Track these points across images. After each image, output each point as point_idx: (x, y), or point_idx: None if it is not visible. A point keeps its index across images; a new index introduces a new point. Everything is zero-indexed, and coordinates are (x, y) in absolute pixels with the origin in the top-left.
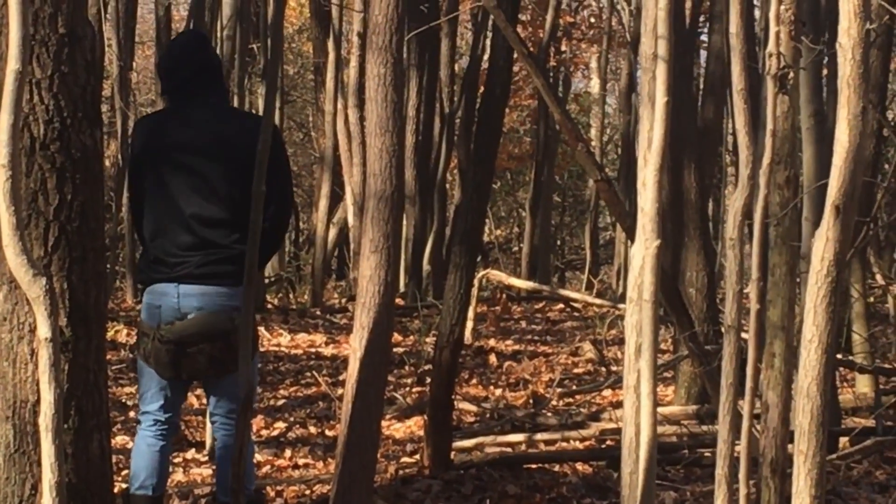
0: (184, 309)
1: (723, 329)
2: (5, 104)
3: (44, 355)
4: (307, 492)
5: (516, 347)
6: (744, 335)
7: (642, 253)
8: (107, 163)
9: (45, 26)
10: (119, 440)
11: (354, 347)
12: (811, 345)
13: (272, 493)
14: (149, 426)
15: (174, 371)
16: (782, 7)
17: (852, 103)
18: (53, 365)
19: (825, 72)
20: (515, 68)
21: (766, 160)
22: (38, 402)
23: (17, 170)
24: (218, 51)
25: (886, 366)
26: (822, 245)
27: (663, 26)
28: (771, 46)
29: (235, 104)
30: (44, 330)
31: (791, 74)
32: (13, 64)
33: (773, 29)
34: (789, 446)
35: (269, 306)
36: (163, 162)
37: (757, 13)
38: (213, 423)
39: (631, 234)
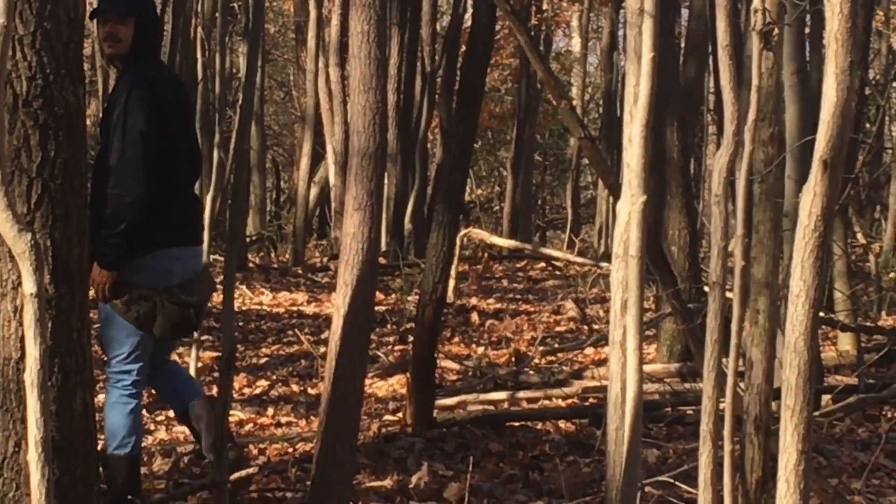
0: (193, 271)
1: (706, 286)
2: None
3: (29, 311)
4: (290, 450)
5: (498, 306)
6: (728, 293)
7: (628, 209)
8: (87, 121)
9: None
10: (101, 398)
11: (338, 305)
12: (798, 300)
13: (255, 451)
14: (126, 385)
15: (174, 331)
16: None
17: (840, 58)
18: (39, 321)
19: (808, 30)
20: (497, 27)
21: (750, 116)
22: (21, 359)
23: (2, 127)
24: (199, 9)
25: (868, 324)
26: (809, 200)
27: None
28: (756, 2)
29: (217, 64)
30: (29, 286)
31: (776, 31)
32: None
33: None
34: (773, 403)
35: (251, 265)
36: (174, 123)
37: None
38: (157, 373)
39: (614, 192)
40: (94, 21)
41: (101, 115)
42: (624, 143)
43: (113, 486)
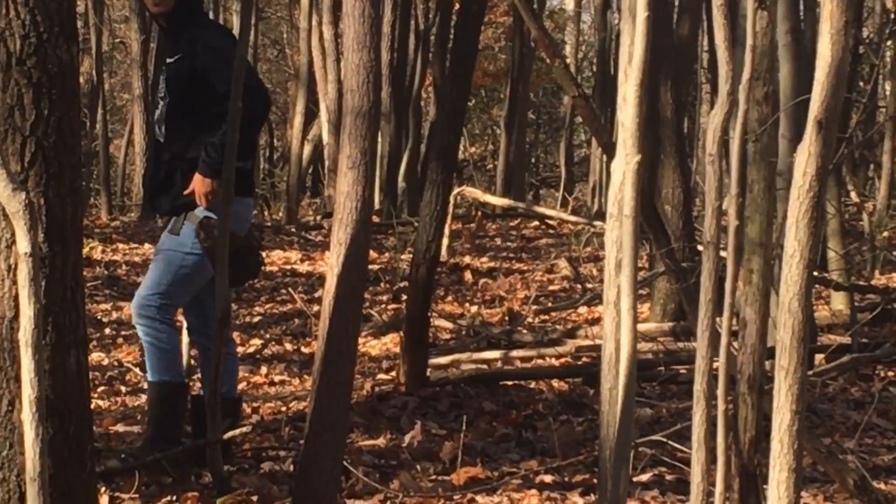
0: (252, 222)
1: (700, 245)
2: None
3: (23, 270)
4: (283, 408)
5: (491, 265)
6: (722, 252)
7: (622, 168)
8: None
9: None
10: (94, 357)
11: (331, 264)
12: (793, 260)
13: (248, 410)
14: (171, 319)
15: (246, 273)
16: None
17: (835, 17)
18: (33, 280)
19: None
20: None
21: (745, 76)
22: (15, 317)
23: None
24: None
25: (861, 283)
26: (804, 159)
27: None
28: None
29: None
30: (24, 245)
31: None
32: None
33: None
34: (766, 363)
35: None
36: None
37: None
38: (203, 334)
39: (608, 151)
40: None
41: (94, 73)
42: (618, 102)
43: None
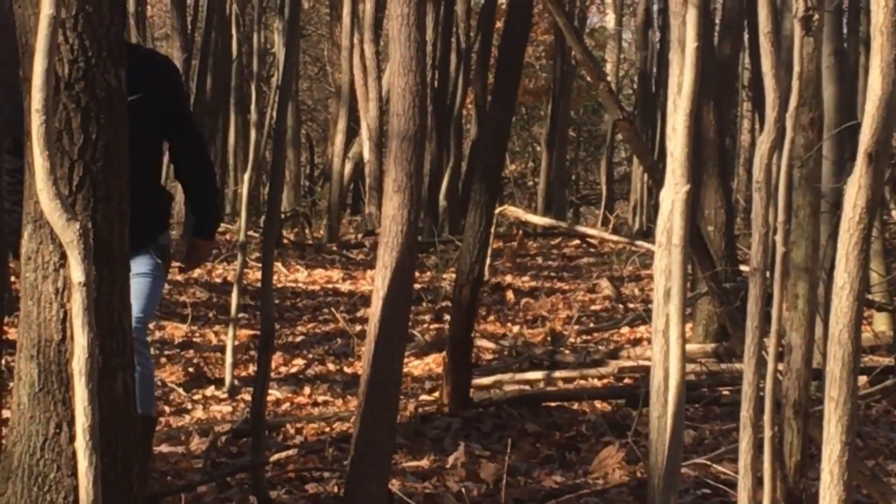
0: None
1: (742, 265)
2: (39, 48)
3: (77, 299)
4: (327, 429)
5: (533, 284)
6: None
7: (671, 197)
8: None
9: None
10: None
11: (377, 287)
12: (843, 292)
13: (292, 431)
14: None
15: None
16: None
17: (885, 51)
18: (87, 309)
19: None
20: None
21: (792, 103)
22: (62, 340)
23: (51, 115)
24: None
25: None
26: (854, 192)
27: None
28: None
29: (253, 41)
30: (77, 274)
31: (816, 16)
32: (46, 9)
33: None
34: (813, 387)
35: (286, 241)
36: None
37: None
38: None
39: (652, 173)
40: None
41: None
42: (668, 132)
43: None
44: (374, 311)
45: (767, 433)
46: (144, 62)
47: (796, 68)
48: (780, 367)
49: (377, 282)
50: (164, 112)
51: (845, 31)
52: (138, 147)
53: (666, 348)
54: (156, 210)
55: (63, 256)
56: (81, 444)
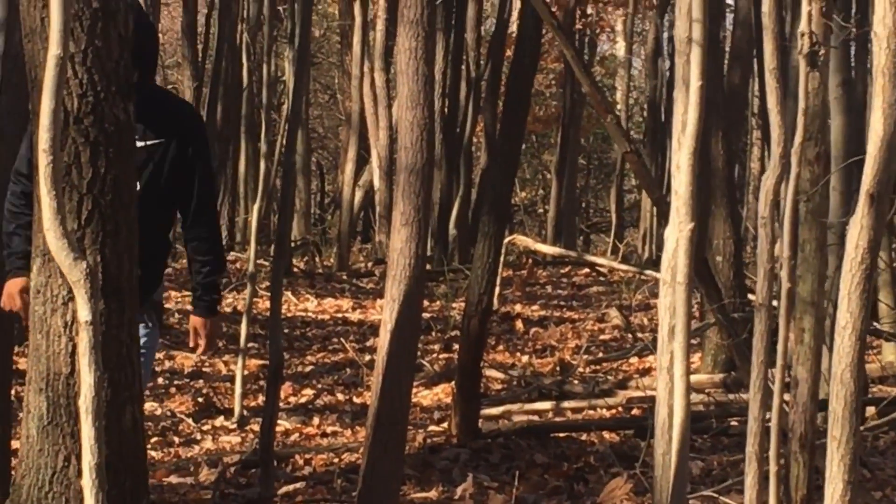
0: None
1: (751, 296)
2: (46, 87)
3: (84, 338)
4: (336, 460)
5: (542, 313)
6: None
7: (676, 235)
8: None
9: (79, 1)
10: (147, 407)
11: (385, 319)
12: (845, 331)
13: (301, 462)
14: None
15: None
16: None
17: (887, 92)
18: (94, 347)
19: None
20: (542, 30)
21: (797, 139)
22: (71, 374)
23: (58, 155)
24: (244, 13)
25: None
26: (856, 232)
27: (698, 10)
28: (803, 26)
29: (263, 70)
30: (84, 313)
31: (822, 52)
32: (54, 49)
33: (804, 8)
34: (819, 419)
35: (296, 270)
36: None
37: None
38: None
39: (659, 206)
40: None
41: None
42: (672, 170)
43: None
44: (382, 343)
45: (773, 467)
46: (169, 106)
47: (801, 104)
48: (787, 398)
49: (385, 314)
50: (185, 164)
51: (853, 61)
52: (151, 200)
53: (671, 385)
54: (159, 267)
55: (72, 290)
56: (88, 483)
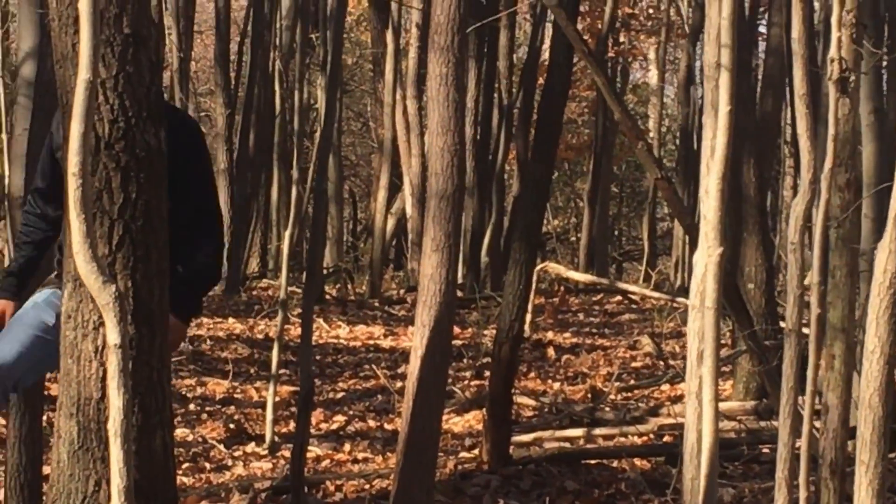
0: None
1: (783, 322)
2: (76, 112)
3: (113, 361)
4: (367, 486)
5: (574, 340)
6: (805, 330)
7: (705, 260)
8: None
9: (110, 27)
10: (179, 433)
11: (415, 346)
12: (873, 356)
13: (332, 488)
14: None
15: None
16: (844, 10)
17: None
18: (122, 371)
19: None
20: (574, 58)
21: (827, 165)
22: (102, 398)
23: (88, 178)
24: (277, 41)
25: None
26: (884, 257)
27: (727, 35)
28: (833, 52)
29: (295, 97)
30: (113, 336)
31: (852, 78)
32: (84, 73)
33: (834, 34)
34: (849, 444)
35: (328, 297)
36: None
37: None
38: None
39: (691, 233)
40: None
41: None
42: (701, 195)
43: None
44: (413, 369)
45: (803, 493)
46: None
47: (831, 130)
48: (818, 424)
49: (415, 340)
50: (185, 176)
51: (885, 88)
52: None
53: (699, 410)
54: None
55: (102, 317)
56: None
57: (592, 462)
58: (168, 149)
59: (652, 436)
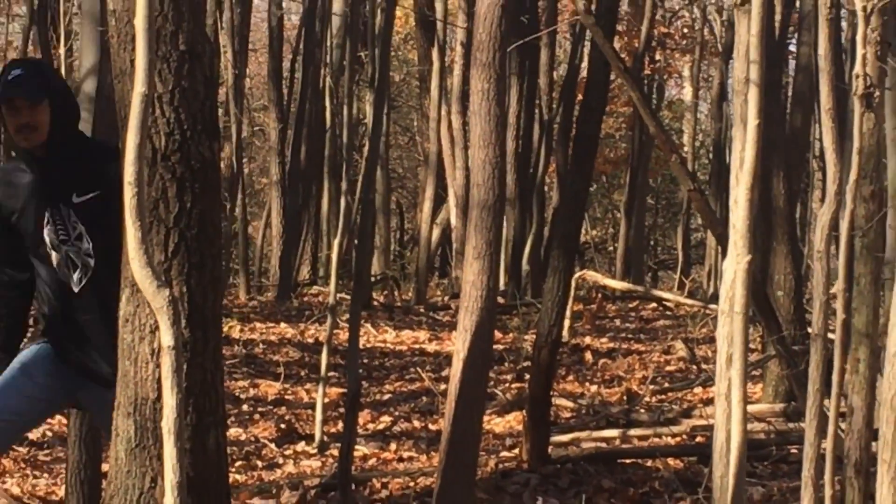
0: None
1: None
2: (132, 125)
3: (167, 362)
4: (411, 484)
5: (611, 345)
6: (831, 335)
7: (734, 267)
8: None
9: (166, 43)
10: (232, 432)
11: (458, 349)
12: (895, 359)
13: (378, 485)
14: None
15: None
16: (869, 29)
17: None
18: (176, 371)
19: None
20: (612, 76)
21: (852, 176)
22: (158, 399)
23: (143, 187)
24: (327, 59)
25: None
26: None
27: (755, 52)
28: (858, 68)
29: (345, 112)
30: (167, 338)
31: (877, 93)
32: (139, 87)
33: (859, 51)
34: (873, 445)
35: (375, 303)
36: None
37: (843, 14)
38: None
39: (722, 242)
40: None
41: (234, 160)
42: (731, 204)
43: None
44: (455, 372)
45: (828, 491)
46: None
47: (856, 144)
48: (843, 426)
49: (457, 344)
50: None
51: None
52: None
53: (728, 410)
54: None
55: (157, 320)
56: (170, 500)
57: (628, 461)
58: (97, 183)
59: (685, 436)
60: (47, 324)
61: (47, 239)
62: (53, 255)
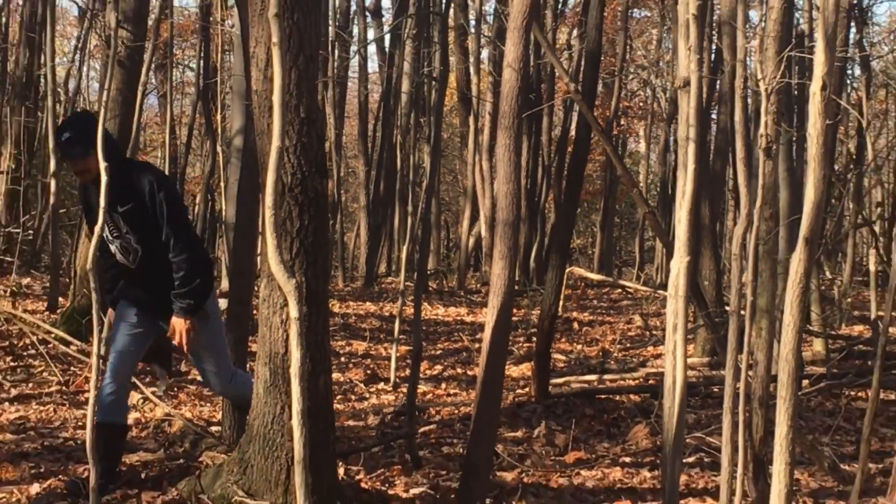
0: None
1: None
2: (270, 168)
3: (293, 328)
4: (455, 411)
5: (591, 318)
6: (742, 312)
7: (677, 265)
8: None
9: (291, 112)
10: (335, 376)
11: (488, 320)
12: (788, 327)
13: (433, 412)
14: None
15: None
16: (769, 104)
17: (817, 173)
18: (300, 334)
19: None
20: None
21: (757, 203)
22: (285, 353)
23: (278, 210)
24: (398, 123)
25: (833, 332)
26: (796, 264)
27: (693, 118)
28: (761, 130)
29: (410, 160)
30: (294, 312)
31: (774, 147)
32: (276, 142)
33: (762, 118)
34: (772, 387)
35: (431, 289)
36: None
37: (749, 92)
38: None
39: (668, 249)
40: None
41: (336, 191)
42: (675, 222)
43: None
44: (486, 336)
45: (741, 417)
46: (131, 174)
47: (760, 181)
48: (751, 373)
49: (488, 317)
50: (154, 213)
51: (794, 153)
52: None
53: (674, 363)
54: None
55: (286, 298)
56: (296, 421)
57: (603, 397)
58: (132, 196)
59: (641, 380)
60: (123, 284)
61: (106, 235)
62: (111, 246)
